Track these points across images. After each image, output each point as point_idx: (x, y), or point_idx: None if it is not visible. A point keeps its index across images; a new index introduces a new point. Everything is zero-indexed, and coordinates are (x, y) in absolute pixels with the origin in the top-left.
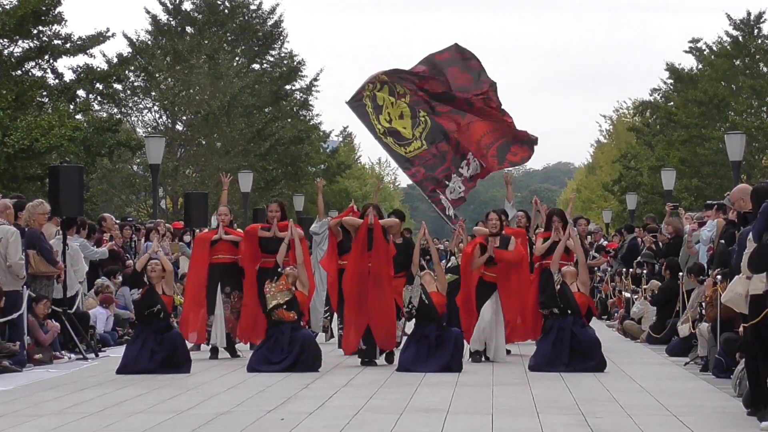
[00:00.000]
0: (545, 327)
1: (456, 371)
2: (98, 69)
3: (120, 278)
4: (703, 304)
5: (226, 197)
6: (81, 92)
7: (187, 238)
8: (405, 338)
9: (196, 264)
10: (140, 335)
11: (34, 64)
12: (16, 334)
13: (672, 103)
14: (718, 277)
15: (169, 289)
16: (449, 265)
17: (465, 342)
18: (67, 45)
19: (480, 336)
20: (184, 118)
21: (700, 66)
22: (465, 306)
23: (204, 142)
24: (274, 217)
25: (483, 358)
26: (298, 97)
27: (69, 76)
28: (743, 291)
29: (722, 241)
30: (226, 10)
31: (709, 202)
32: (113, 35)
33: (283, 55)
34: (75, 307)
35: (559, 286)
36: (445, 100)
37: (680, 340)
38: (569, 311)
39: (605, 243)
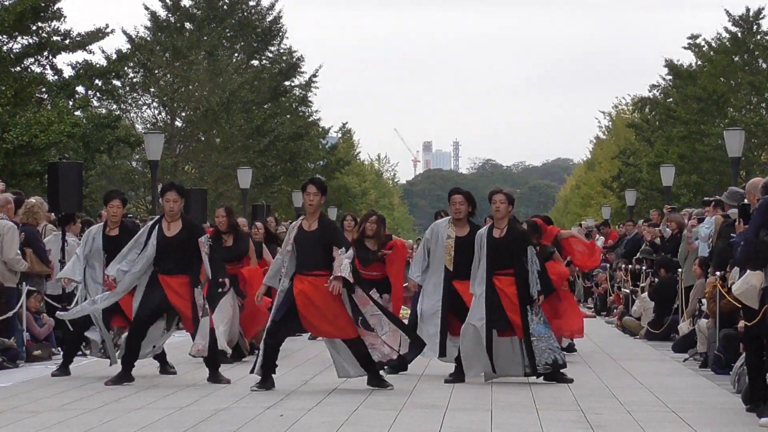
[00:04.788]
0: None
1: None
2: (97, 65)
3: None
4: (704, 300)
5: None
6: (80, 88)
7: None
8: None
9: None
10: None
11: (33, 60)
12: (9, 330)
13: (671, 99)
14: (717, 273)
15: None
16: None
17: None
18: (66, 41)
19: None
20: (183, 114)
21: (699, 62)
22: None
23: (203, 139)
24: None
25: None
26: (297, 93)
27: (68, 72)
28: (758, 283)
29: (722, 234)
30: (225, 6)
31: (706, 198)
32: (112, 31)
33: (282, 51)
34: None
35: None
36: None
37: (682, 338)
38: None
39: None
